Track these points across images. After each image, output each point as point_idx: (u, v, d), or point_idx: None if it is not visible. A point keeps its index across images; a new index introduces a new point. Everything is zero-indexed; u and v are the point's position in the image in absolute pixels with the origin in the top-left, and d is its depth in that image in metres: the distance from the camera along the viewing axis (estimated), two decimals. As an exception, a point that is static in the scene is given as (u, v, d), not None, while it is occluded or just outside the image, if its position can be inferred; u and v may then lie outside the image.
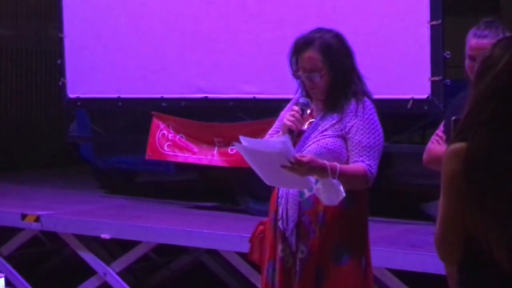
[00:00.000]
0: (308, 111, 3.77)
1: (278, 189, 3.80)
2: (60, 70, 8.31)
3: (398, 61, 6.20)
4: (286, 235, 3.72)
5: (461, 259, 2.52)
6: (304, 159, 3.47)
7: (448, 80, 6.02)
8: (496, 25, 3.84)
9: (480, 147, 2.42)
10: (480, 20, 3.98)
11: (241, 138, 3.47)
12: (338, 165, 3.56)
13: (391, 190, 6.96)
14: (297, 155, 3.48)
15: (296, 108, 3.74)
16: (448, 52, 5.93)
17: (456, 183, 2.45)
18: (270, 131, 3.91)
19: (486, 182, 2.41)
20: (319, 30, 3.80)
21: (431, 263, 5.07)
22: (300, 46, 3.76)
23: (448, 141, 3.69)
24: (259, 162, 3.55)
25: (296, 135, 3.71)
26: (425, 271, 5.28)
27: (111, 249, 7.44)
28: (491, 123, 2.43)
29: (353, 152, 3.67)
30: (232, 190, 7.48)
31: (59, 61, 8.31)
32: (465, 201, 2.44)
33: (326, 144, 3.67)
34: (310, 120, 3.78)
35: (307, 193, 3.69)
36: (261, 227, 3.92)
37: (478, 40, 3.81)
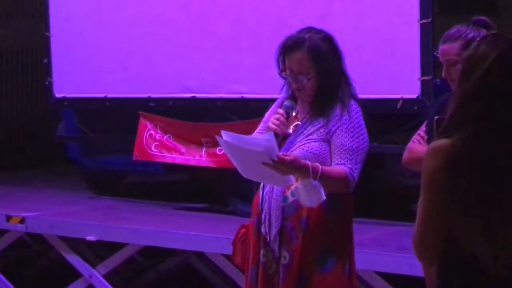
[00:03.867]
0: (294, 114, 3.72)
1: (261, 193, 3.74)
2: (47, 70, 8.23)
3: (388, 60, 6.15)
4: (269, 241, 3.66)
5: (440, 260, 2.46)
6: (287, 158, 3.42)
7: (438, 80, 5.95)
8: (464, 27, 3.73)
9: (465, 144, 2.37)
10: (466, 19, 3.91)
11: (223, 132, 3.43)
12: (320, 166, 3.50)
13: (380, 191, 6.90)
14: (280, 154, 3.43)
15: (281, 111, 3.69)
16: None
17: (437, 181, 2.40)
18: (254, 133, 3.86)
19: (469, 180, 2.36)
20: (309, 30, 3.73)
21: (420, 266, 4.99)
22: (289, 46, 3.69)
23: (430, 141, 3.63)
24: (239, 156, 3.52)
25: (281, 138, 3.64)
26: (414, 274, 5.19)
27: (98, 251, 7.36)
28: (477, 121, 2.39)
29: (335, 155, 3.61)
30: (221, 191, 7.41)
31: (45, 60, 8.23)
32: (447, 200, 2.39)
33: (311, 149, 3.62)
34: (296, 123, 3.73)
35: (290, 198, 3.64)
36: (243, 230, 3.88)
37: (441, 46, 3.75)
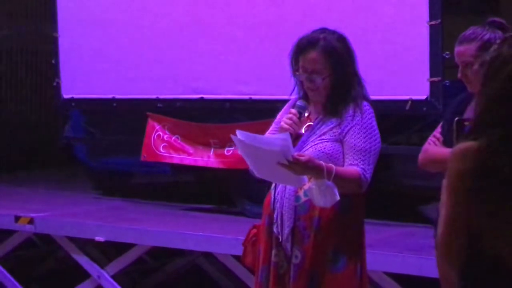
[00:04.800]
0: (306, 114, 3.72)
1: (273, 192, 3.74)
2: (55, 70, 8.23)
3: (397, 62, 6.12)
4: (281, 240, 3.66)
5: (464, 263, 2.45)
6: (302, 158, 3.43)
7: (447, 81, 5.94)
8: (480, 28, 3.73)
9: (492, 146, 2.36)
10: (479, 19, 3.90)
11: (238, 131, 3.43)
12: (334, 167, 3.51)
13: (389, 192, 6.88)
14: (296, 154, 3.44)
15: (293, 111, 3.69)
16: (448, 53, 5.85)
17: (463, 183, 2.39)
18: (266, 134, 3.85)
19: (497, 183, 2.35)
20: (323, 30, 3.74)
21: (430, 267, 4.97)
22: (304, 45, 3.70)
23: (446, 143, 3.64)
24: (254, 156, 3.52)
25: (293, 138, 3.64)
26: (423, 275, 5.20)
27: (106, 251, 7.36)
28: (504, 123, 2.38)
29: (348, 155, 3.62)
30: (228, 192, 7.40)
31: (53, 61, 8.23)
32: (473, 202, 2.38)
33: (324, 148, 3.62)
34: (308, 123, 3.73)
35: (303, 198, 3.64)
36: (254, 231, 3.88)
37: (457, 47, 3.74)
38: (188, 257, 7.58)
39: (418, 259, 5.30)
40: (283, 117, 3.71)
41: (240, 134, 3.41)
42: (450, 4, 6.18)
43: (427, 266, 5.05)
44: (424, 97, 6.04)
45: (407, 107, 6.10)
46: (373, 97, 3.82)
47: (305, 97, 3.76)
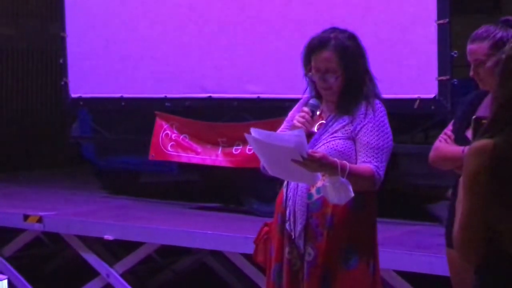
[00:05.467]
0: (318, 113, 3.74)
1: (286, 190, 3.75)
2: (62, 70, 8.25)
3: (405, 60, 6.13)
4: (293, 238, 3.68)
5: (482, 261, 2.46)
6: (317, 155, 3.45)
7: (455, 80, 5.96)
8: (493, 27, 3.75)
9: (509, 144, 2.38)
10: (486, 19, 3.92)
11: (252, 129, 3.44)
12: (347, 164, 3.53)
13: (397, 191, 6.89)
14: (310, 151, 3.46)
15: (306, 109, 3.71)
16: (456, 51, 5.87)
17: (480, 181, 2.40)
18: (278, 131, 3.85)
19: None
20: (333, 29, 3.77)
21: (439, 264, 5.01)
22: (315, 46, 3.72)
23: (457, 140, 3.66)
24: (268, 153, 3.53)
25: (306, 136, 3.65)
26: (432, 273, 5.22)
27: (114, 250, 7.38)
28: None
29: (361, 153, 3.64)
30: (236, 191, 7.42)
31: (61, 61, 8.24)
32: (490, 199, 2.39)
33: (336, 146, 3.64)
34: (320, 122, 3.76)
35: (315, 196, 3.66)
36: (265, 229, 3.90)
37: (470, 45, 3.76)
38: (196, 256, 7.61)
39: (428, 257, 5.31)
40: (296, 115, 3.73)
41: (254, 132, 3.43)
42: (453, 3, 6.19)
43: (438, 264, 5.06)
44: (432, 95, 6.05)
45: (416, 106, 6.11)
46: (382, 96, 3.84)
47: (317, 95, 3.78)
